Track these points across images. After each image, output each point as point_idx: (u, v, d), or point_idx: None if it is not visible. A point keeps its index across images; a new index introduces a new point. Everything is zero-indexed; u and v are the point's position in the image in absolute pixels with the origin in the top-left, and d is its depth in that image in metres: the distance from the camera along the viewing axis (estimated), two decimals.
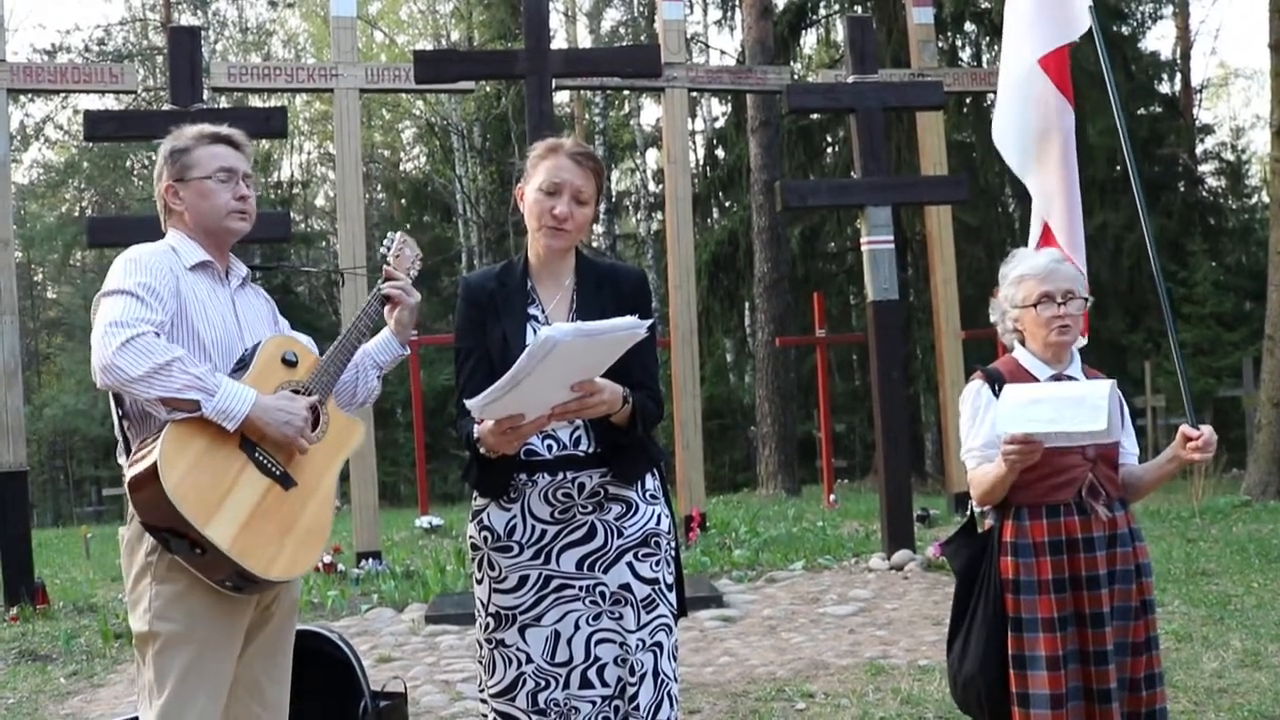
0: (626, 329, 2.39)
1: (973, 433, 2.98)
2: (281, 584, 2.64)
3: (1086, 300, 3.01)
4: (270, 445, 2.57)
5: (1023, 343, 3.05)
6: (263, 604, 2.70)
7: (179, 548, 2.45)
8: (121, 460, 2.60)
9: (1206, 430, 2.85)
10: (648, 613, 2.69)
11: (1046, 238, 4.41)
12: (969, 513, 3.18)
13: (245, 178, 2.76)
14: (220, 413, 2.46)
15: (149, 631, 2.54)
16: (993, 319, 3.16)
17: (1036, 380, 2.97)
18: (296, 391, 2.64)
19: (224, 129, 2.79)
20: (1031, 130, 4.40)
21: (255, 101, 10.77)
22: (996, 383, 2.96)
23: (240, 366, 2.62)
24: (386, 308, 2.90)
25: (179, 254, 2.68)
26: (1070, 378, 3.00)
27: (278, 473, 2.57)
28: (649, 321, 2.46)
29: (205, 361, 2.58)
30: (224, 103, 10.62)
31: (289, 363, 2.68)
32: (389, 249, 2.97)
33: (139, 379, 2.41)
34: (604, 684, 2.68)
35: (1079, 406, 2.70)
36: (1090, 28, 3.94)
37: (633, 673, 2.66)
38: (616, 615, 2.68)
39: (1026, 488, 2.89)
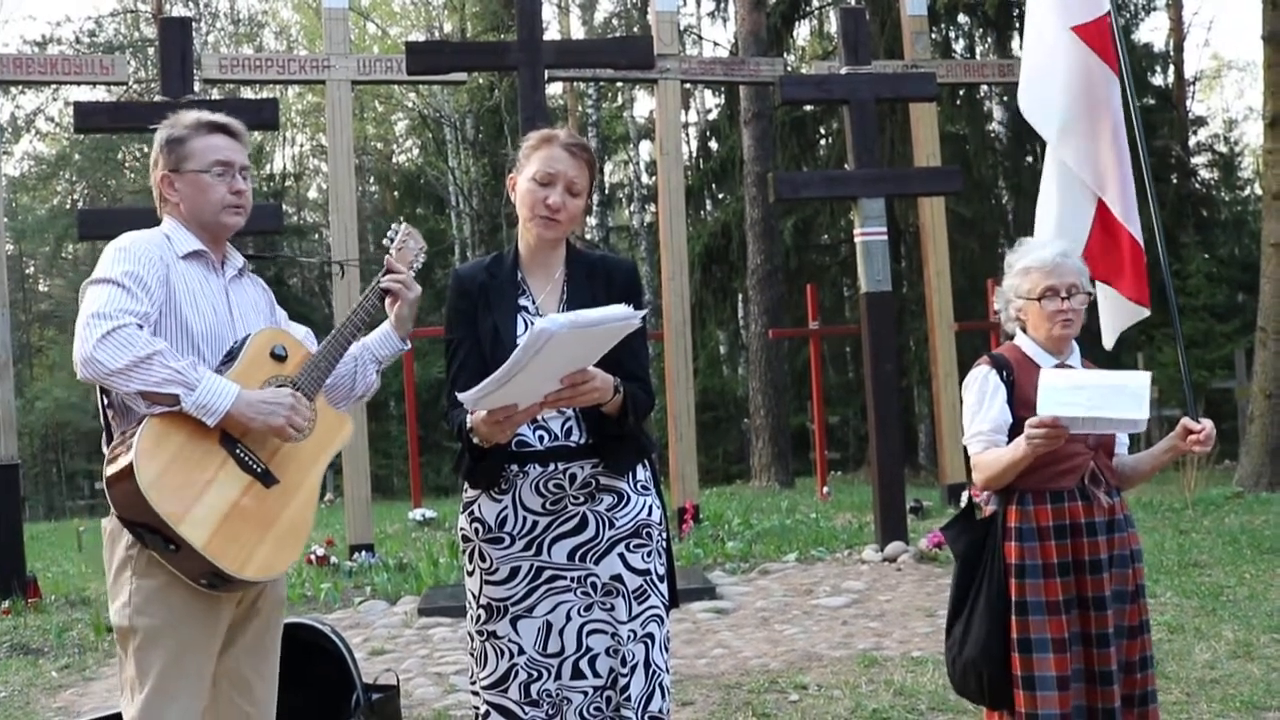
0: (620, 319, 2.38)
1: (979, 417, 3.00)
2: (262, 582, 2.59)
3: (1090, 294, 3.03)
4: (252, 441, 2.52)
5: (1024, 330, 3.08)
6: (247, 600, 2.66)
7: (154, 543, 2.42)
8: (106, 449, 2.57)
9: (1207, 424, 2.90)
10: (639, 604, 2.69)
11: (1104, 214, 4.18)
12: (967, 499, 3.21)
13: (242, 170, 2.70)
14: (200, 407, 2.42)
15: (129, 626, 2.51)
16: (995, 306, 3.20)
17: (1040, 368, 2.99)
18: (283, 386, 2.58)
19: (222, 117, 2.72)
20: (1074, 100, 4.21)
21: (247, 93, 10.77)
22: (1003, 369, 3.01)
23: (229, 359, 2.57)
24: (387, 301, 2.83)
25: (172, 242, 2.63)
26: (1071, 367, 3.03)
27: (258, 470, 2.51)
28: (643, 312, 2.46)
29: (193, 353, 2.53)
30: (215, 94, 10.61)
31: (278, 357, 2.62)
32: (393, 240, 2.90)
33: (118, 372, 2.37)
34: (595, 674, 2.67)
35: (1120, 394, 2.71)
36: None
37: (624, 663, 2.66)
38: (608, 606, 2.68)
39: (1031, 473, 2.92)
